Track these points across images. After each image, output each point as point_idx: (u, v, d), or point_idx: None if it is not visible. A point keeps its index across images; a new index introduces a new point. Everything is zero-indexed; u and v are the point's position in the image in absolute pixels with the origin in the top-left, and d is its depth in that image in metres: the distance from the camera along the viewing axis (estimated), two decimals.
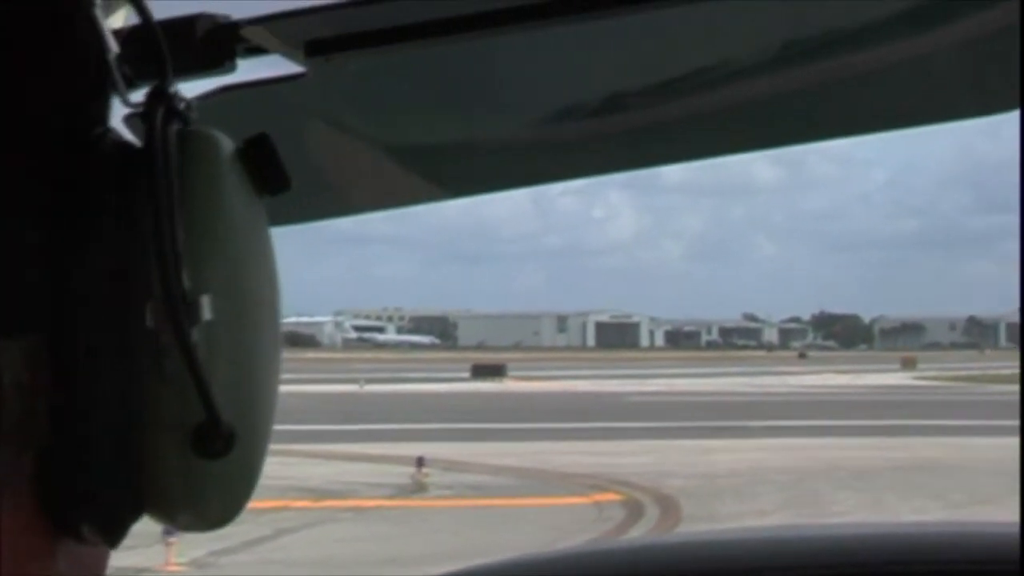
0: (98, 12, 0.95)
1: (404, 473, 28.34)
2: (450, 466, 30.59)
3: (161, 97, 0.93)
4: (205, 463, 0.87)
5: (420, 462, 28.41)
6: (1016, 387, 65.73)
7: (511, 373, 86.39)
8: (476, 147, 1.89)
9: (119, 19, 1.38)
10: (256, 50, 1.51)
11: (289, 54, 1.55)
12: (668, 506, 24.38)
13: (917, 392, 66.70)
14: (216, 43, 1.46)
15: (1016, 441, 34.59)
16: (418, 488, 28.00)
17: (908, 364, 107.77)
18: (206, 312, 0.87)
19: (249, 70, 1.56)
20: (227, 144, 0.94)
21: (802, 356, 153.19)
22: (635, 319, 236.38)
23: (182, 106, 0.92)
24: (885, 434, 37.11)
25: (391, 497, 26.72)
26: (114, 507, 0.95)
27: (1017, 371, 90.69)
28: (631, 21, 1.49)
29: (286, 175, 0.93)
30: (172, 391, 0.88)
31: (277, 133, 1.28)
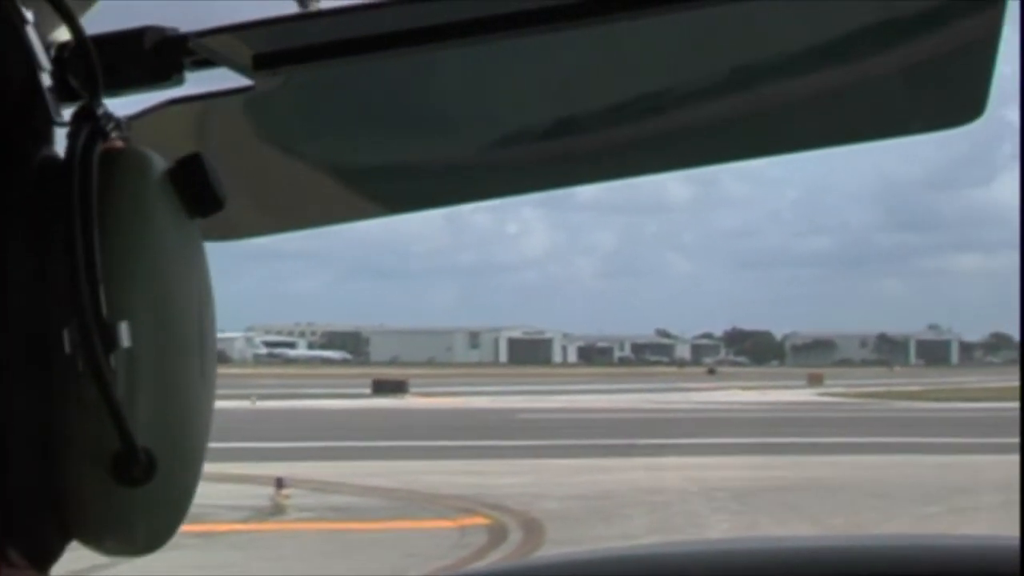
0: (29, 30, 0.89)
1: (266, 495, 26.68)
2: (318, 487, 29.06)
3: (87, 115, 0.87)
4: (127, 490, 0.84)
5: (280, 483, 26.78)
6: (915, 404, 71.07)
7: (416, 389, 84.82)
8: (420, 167, 1.82)
9: (67, 31, 1.31)
10: (204, 63, 1.47)
11: (237, 67, 1.52)
12: (533, 530, 22.97)
13: (818, 409, 66.00)
14: (164, 56, 1.44)
15: (904, 459, 34.39)
16: (276, 511, 26.34)
17: (814, 381, 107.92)
18: (124, 338, 0.83)
19: (197, 83, 1.54)
20: (158, 164, 0.88)
21: (711, 372, 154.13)
22: (548, 335, 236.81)
23: (111, 125, 0.85)
24: (777, 452, 36.05)
25: (246, 520, 25.14)
26: (37, 532, 0.91)
27: (921, 388, 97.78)
28: (577, 39, 1.41)
29: (219, 196, 0.87)
30: (90, 417, 0.85)
31: (223, 146, 1.44)
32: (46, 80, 0.94)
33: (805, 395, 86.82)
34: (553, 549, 21.17)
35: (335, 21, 1.49)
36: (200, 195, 0.88)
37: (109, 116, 0.89)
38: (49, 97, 0.93)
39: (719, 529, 22.44)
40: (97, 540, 0.91)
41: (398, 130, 1.75)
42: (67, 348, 0.84)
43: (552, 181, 1.92)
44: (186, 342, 0.88)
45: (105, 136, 0.88)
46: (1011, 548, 2.38)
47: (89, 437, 0.86)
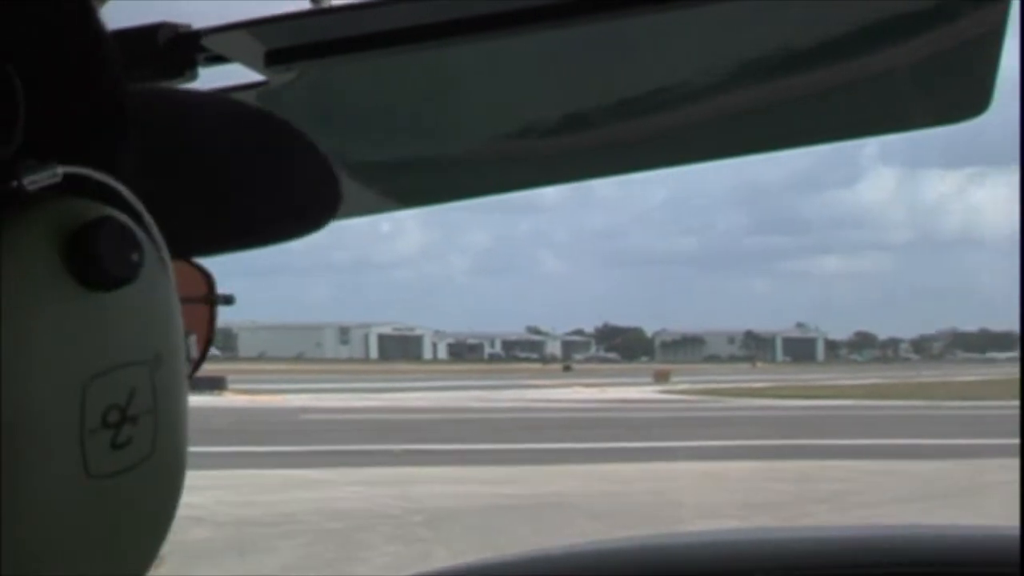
0: None
1: None
2: None
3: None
4: None
5: None
6: (751, 401, 70.61)
7: (244, 385, 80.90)
8: (432, 161, 1.87)
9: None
10: (217, 59, 1.52)
11: (250, 63, 1.57)
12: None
13: (645, 408, 63.26)
14: (177, 52, 1.48)
15: (677, 467, 30.41)
16: None
17: (660, 377, 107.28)
18: None
19: (211, 79, 1.57)
20: (45, 234, 0.75)
21: (567, 369, 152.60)
22: (418, 332, 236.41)
23: (14, 184, 0.74)
24: (542, 461, 32.32)
25: None
26: None
27: (768, 385, 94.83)
28: (586, 37, 1.47)
29: (110, 275, 0.75)
30: None
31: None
32: None
33: (646, 392, 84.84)
34: None
35: (347, 17, 1.51)
36: (94, 269, 0.73)
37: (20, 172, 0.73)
38: None
39: (372, 565, 18.69)
40: None
41: (410, 124, 1.75)
42: None
43: (562, 175, 1.92)
44: (29, 445, 0.73)
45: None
46: (1013, 539, 2.37)
47: None
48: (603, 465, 31.11)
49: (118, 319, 0.77)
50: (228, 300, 1.05)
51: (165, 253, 0.79)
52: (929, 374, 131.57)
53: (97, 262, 0.75)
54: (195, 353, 0.98)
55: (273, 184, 0.96)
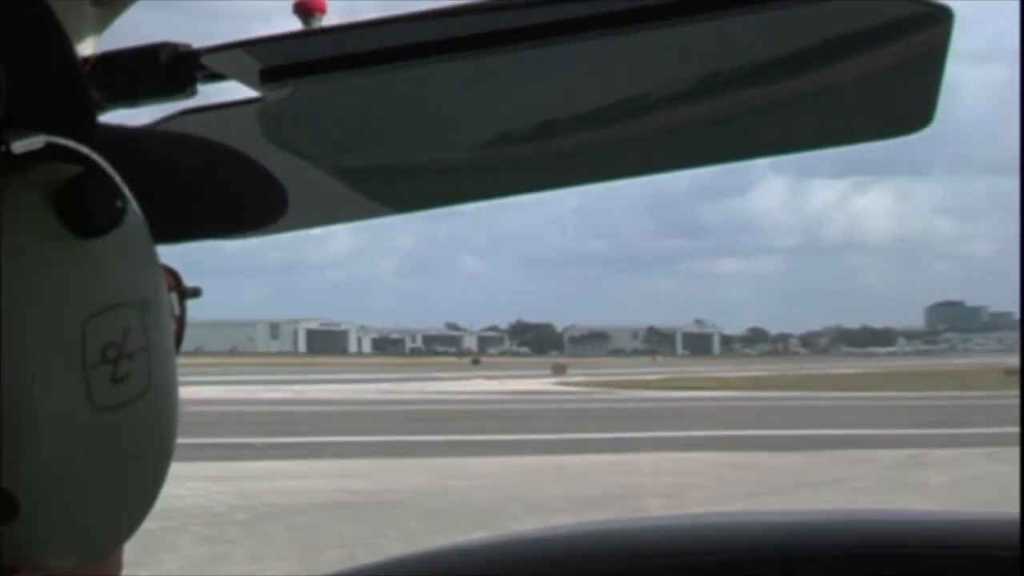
0: None
1: None
2: None
3: None
4: None
5: None
6: (639, 393, 69.78)
7: None
8: (419, 169, 1.92)
9: (89, 47, 1.50)
10: (215, 76, 1.56)
11: (246, 80, 1.60)
12: None
13: (537, 400, 62.32)
14: (178, 70, 1.53)
15: (529, 461, 29.30)
16: None
17: (557, 370, 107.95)
18: None
19: (209, 95, 1.63)
20: (36, 190, 0.81)
21: (475, 362, 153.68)
22: (344, 327, 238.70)
23: (2, 149, 0.80)
24: (407, 454, 30.72)
25: None
26: None
27: (661, 377, 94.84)
28: (561, 54, 1.50)
29: (98, 221, 0.81)
30: None
31: (238, 147, 1.55)
32: None
33: (543, 385, 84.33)
34: None
35: (336, 38, 1.57)
36: (83, 217, 0.79)
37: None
38: None
39: (164, 569, 16.36)
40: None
41: (398, 135, 1.79)
42: None
43: (540, 182, 1.94)
44: (32, 370, 0.77)
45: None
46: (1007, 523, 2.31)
47: None
48: (459, 459, 29.96)
49: (108, 263, 0.80)
50: (196, 292, 1.05)
51: (138, 209, 0.82)
52: (813, 367, 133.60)
53: (85, 210, 0.79)
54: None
55: (208, 194, 0.96)
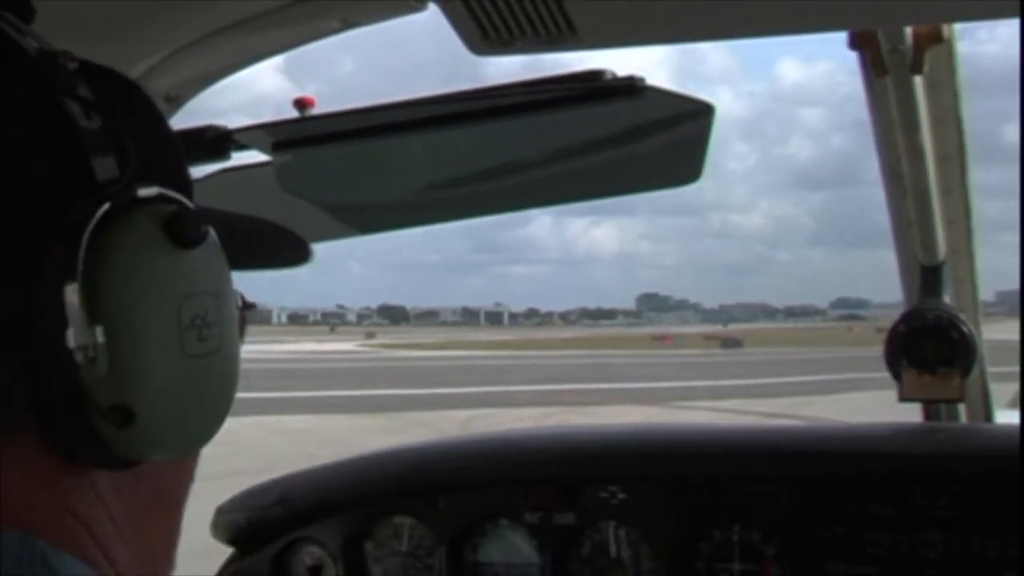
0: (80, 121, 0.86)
1: None
2: None
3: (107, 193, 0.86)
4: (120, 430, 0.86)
5: None
6: (408, 353, 67.70)
7: None
8: (384, 204, 2.15)
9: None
10: (243, 146, 1.81)
11: (263, 150, 1.83)
12: None
13: (319, 359, 57.88)
14: (218, 143, 1.76)
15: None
16: None
17: (369, 335, 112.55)
18: (99, 335, 0.83)
19: (238, 159, 1.80)
20: (153, 218, 0.86)
21: (332, 330, 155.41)
22: (269, 306, 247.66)
23: (134, 193, 0.87)
24: None
25: None
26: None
27: (441, 340, 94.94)
28: (459, 136, 1.76)
29: (191, 238, 0.87)
30: (101, 384, 0.84)
31: (256, 195, 1.82)
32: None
33: (350, 345, 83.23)
34: None
35: (322, 122, 1.73)
36: (180, 236, 0.85)
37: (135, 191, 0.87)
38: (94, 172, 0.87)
39: None
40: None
41: (367, 181, 1.98)
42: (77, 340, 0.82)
43: (465, 212, 2.10)
44: (161, 329, 0.85)
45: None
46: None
47: (103, 397, 0.83)
48: None
49: (195, 266, 0.89)
50: (251, 306, 1.00)
51: (215, 235, 0.93)
52: (559, 334, 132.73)
53: (183, 231, 0.87)
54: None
55: (253, 237, 1.09)
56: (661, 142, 1.76)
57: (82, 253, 0.84)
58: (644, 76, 1.56)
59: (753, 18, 1.31)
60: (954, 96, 1.97)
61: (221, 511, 2.45)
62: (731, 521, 2.18)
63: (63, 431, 0.86)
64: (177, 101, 1.70)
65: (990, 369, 2.46)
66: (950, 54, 1.89)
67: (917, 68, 1.74)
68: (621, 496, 2.21)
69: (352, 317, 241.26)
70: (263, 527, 2.41)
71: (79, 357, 0.83)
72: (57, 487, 0.87)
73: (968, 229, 2.26)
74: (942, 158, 2.07)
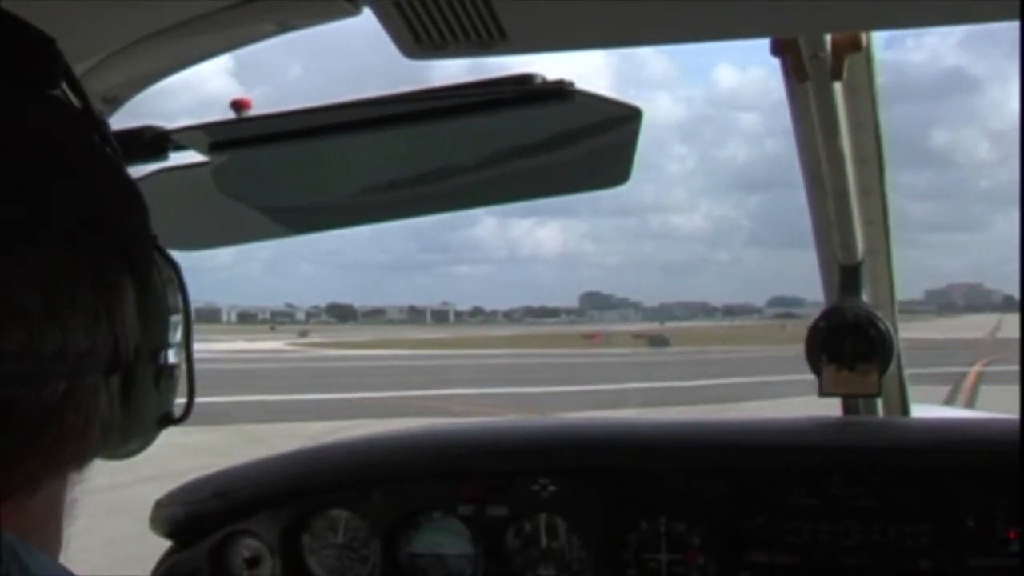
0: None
1: None
2: None
3: None
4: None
5: None
6: (345, 351, 62.77)
7: None
8: (319, 204, 2.13)
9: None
10: (181, 147, 1.79)
11: (200, 150, 1.81)
12: None
13: (247, 355, 55.93)
14: (156, 143, 1.74)
15: None
16: None
17: (302, 334, 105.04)
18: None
19: (176, 159, 1.76)
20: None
21: (272, 328, 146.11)
22: (219, 305, 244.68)
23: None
24: None
25: None
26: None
27: (376, 339, 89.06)
28: (394, 137, 1.74)
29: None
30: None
31: (195, 194, 1.78)
32: None
33: (279, 344, 78.08)
34: None
35: (258, 123, 1.70)
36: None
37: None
38: None
39: None
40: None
41: (304, 182, 1.95)
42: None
43: (402, 213, 2.10)
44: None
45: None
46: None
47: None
48: None
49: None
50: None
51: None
52: (498, 331, 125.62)
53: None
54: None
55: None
56: (591, 145, 1.78)
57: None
58: (575, 81, 1.56)
59: (681, 24, 1.32)
60: (872, 102, 2.01)
61: (160, 505, 2.46)
62: (657, 512, 2.22)
63: (110, 440, 0.85)
64: (115, 102, 1.68)
65: (925, 370, 2.48)
66: (868, 61, 1.92)
67: (836, 74, 1.78)
68: (551, 488, 2.24)
69: (301, 315, 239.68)
70: (201, 520, 2.41)
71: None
72: (55, 490, 0.85)
73: (886, 229, 2.30)
74: (860, 161, 2.11)
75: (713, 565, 2.20)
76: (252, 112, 1.73)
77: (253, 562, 2.39)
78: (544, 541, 2.27)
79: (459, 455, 2.33)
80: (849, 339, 2.29)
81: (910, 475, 2.07)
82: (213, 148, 1.77)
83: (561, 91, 1.58)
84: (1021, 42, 1.52)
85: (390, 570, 2.35)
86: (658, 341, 67.28)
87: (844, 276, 2.36)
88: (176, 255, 0.96)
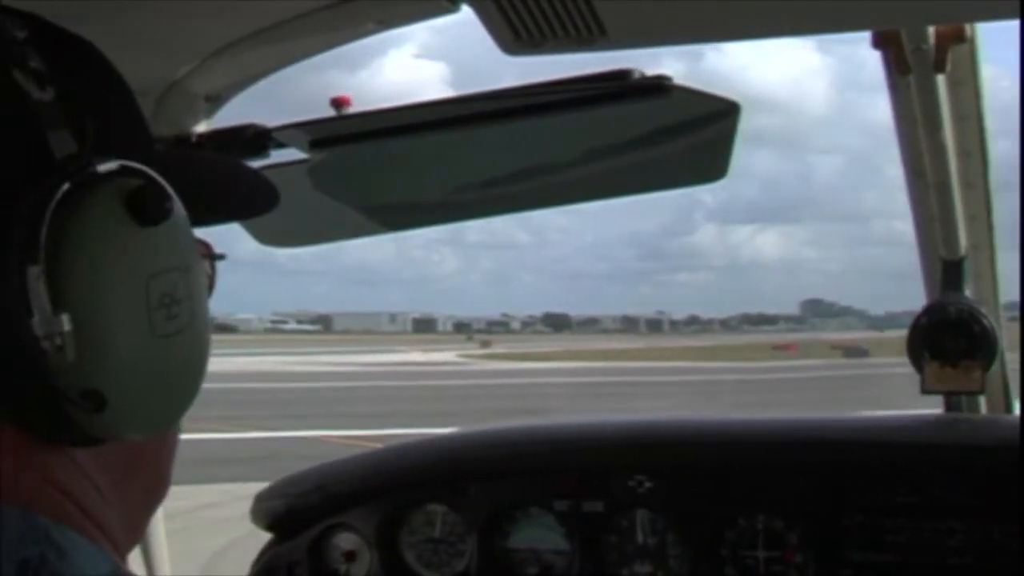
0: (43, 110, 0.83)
1: None
2: None
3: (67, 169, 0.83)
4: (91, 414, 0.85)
5: None
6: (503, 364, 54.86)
7: None
8: (412, 203, 2.14)
9: (203, 125, 1.72)
10: (281, 145, 1.82)
11: (301, 147, 1.84)
12: None
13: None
14: (258, 141, 1.77)
15: None
16: None
17: (484, 344, 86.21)
18: (66, 323, 0.80)
19: (276, 157, 1.81)
20: (114, 196, 0.83)
21: (469, 339, 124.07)
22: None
23: (92, 169, 0.83)
24: None
25: None
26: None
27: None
28: (490, 134, 1.74)
29: (153, 216, 0.84)
30: (71, 370, 0.83)
31: (295, 192, 1.76)
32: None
33: (450, 356, 65.01)
34: None
35: (357, 121, 1.72)
36: (143, 213, 0.82)
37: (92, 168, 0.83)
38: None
39: None
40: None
41: (402, 179, 1.96)
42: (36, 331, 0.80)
43: (500, 209, 2.11)
44: (128, 312, 0.83)
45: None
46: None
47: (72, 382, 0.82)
48: None
49: (161, 242, 0.86)
50: (221, 256, 1.00)
51: (182, 207, 0.90)
52: (715, 340, 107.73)
53: (145, 209, 0.84)
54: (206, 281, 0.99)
55: (221, 196, 0.98)
56: (688, 140, 1.77)
57: (43, 236, 0.81)
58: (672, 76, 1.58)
59: (778, 18, 1.30)
60: (976, 94, 1.97)
61: (260, 498, 2.48)
62: (756, 509, 2.21)
63: (37, 417, 0.84)
64: (217, 101, 1.72)
65: None
66: (972, 53, 1.89)
67: (939, 67, 1.75)
68: (648, 485, 2.23)
69: (516, 325, 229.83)
70: (300, 514, 2.43)
71: (46, 345, 0.81)
72: (41, 466, 0.86)
73: (989, 225, 2.26)
74: (964, 154, 2.08)
75: (812, 563, 2.18)
76: (351, 110, 1.74)
77: (351, 555, 2.41)
78: (640, 537, 2.25)
79: (555, 451, 2.34)
80: (952, 336, 2.24)
81: (1015, 473, 2.00)
82: (313, 145, 1.79)
83: (659, 86, 1.57)
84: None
85: (486, 565, 2.36)
86: (855, 352, 62.22)
87: (946, 271, 2.32)
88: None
